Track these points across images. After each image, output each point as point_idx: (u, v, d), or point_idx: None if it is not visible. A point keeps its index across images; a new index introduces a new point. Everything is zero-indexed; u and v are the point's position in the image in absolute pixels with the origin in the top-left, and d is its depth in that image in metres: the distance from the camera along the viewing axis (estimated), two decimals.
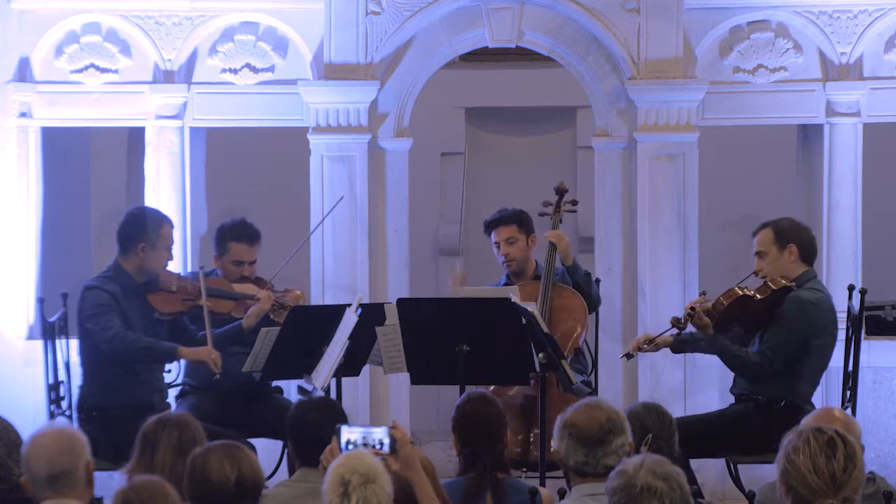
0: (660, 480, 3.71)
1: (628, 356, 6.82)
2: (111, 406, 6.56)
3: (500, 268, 7.69)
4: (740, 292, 6.56)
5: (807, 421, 4.58)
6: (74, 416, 6.79)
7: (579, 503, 4.26)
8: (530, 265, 7.39)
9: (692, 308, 6.53)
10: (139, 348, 6.56)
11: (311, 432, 4.71)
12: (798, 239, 6.66)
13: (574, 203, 7.40)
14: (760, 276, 6.66)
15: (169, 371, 7.08)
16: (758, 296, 6.54)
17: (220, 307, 6.84)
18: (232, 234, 7.11)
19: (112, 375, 6.61)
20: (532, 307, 6.26)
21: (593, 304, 7.27)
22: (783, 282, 6.58)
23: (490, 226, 7.33)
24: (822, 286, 6.70)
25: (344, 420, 4.82)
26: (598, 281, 7.47)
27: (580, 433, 4.27)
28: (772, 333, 6.55)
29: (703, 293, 6.66)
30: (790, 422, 6.15)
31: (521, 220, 7.22)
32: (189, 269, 7.85)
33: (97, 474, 4.21)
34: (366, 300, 7.06)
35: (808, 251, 6.68)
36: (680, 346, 6.80)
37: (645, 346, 6.70)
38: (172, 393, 7.25)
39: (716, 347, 6.59)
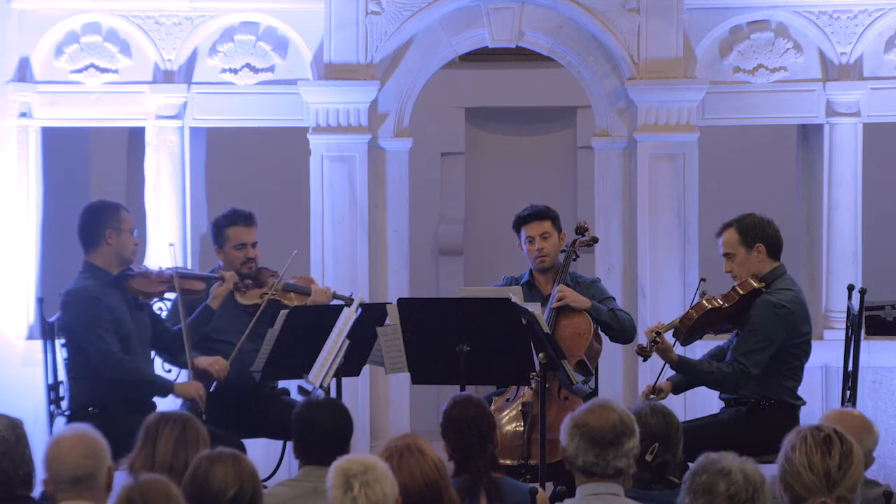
0: (741, 475, 3.76)
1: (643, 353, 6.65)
2: (108, 402, 6.57)
3: (500, 269, 7.68)
4: (708, 305, 6.51)
5: (824, 420, 4.58)
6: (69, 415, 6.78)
7: (584, 503, 4.26)
8: (555, 264, 7.23)
9: (656, 333, 6.46)
10: (139, 380, 6.66)
11: (316, 431, 4.71)
12: (764, 236, 6.57)
13: (594, 240, 7.19)
14: (731, 277, 6.63)
15: (169, 371, 7.08)
16: (725, 304, 6.51)
17: (194, 286, 6.87)
18: (226, 221, 7.11)
19: None
20: (534, 307, 6.24)
21: (622, 334, 7.00)
22: (753, 283, 6.52)
23: (524, 220, 7.04)
24: (791, 283, 6.59)
25: (349, 420, 4.83)
26: (598, 280, 7.42)
27: (592, 433, 4.25)
28: (742, 339, 6.49)
29: (703, 292, 6.63)
30: (782, 420, 6.20)
31: (554, 217, 7.08)
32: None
33: None
34: (366, 300, 7.06)
35: (775, 246, 6.61)
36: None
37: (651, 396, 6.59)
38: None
39: (684, 371, 6.55)
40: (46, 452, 4.12)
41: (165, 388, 6.71)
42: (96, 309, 6.60)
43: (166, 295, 7.03)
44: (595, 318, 6.87)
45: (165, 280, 6.81)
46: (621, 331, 6.96)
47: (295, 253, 6.96)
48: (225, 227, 7.09)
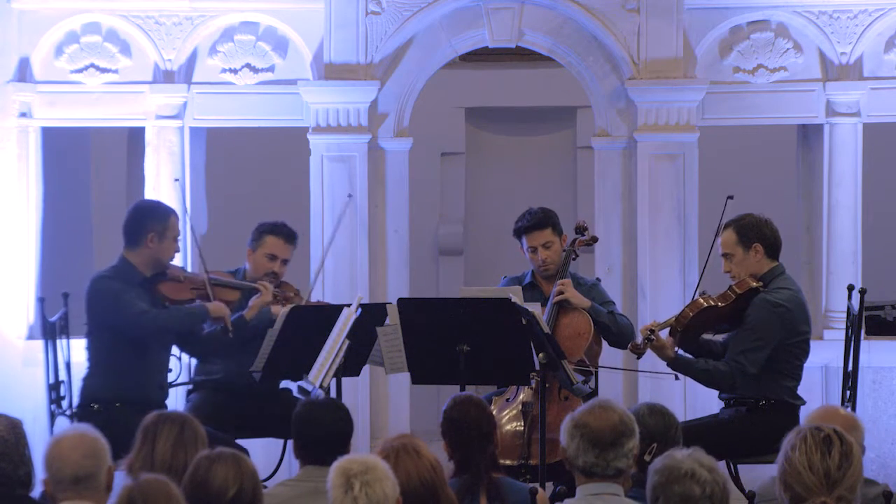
0: (705, 470, 3.80)
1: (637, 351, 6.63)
2: (114, 399, 6.56)
3: (500, 269, 7.67)
4: (704, 303, 6.50)
5: (810, 419, 4.57)
6: (74, 411, 6.78)
7: (584, 503, 4.26)
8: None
9: (651, 331, 6.44)
10: (179, 319, 6.68)
11: (316, 431, 4.72)
12: (761, 236, 6.57)
13: (594, 239, 7.15)
14: (730, 276, 6.63)
15: (171, 370, 7.09)
16: (721, 304, 6.49)
17: (226, 296, 6.85)
18: (270, 229, 7.13)
19: (120, 367, 6.61)
20: (534, 307, 6.24)
21: (620, 338, 6.93)
22: (751, 283, 6.51)
23: (524, 231, 6.96)
24: (790, 282, 6.58)
25: (349, 420, 4.83)
26: (598, 282, 7.41)
27: (592, 434, 4.25)
28: (740, 338, 6.46)
29: (703, 293, 6.63)
30: (782, 420, 6.18)
31: (554, 222, 7.02)
32: (189, 269, 7.87)
33: None
34: (366, 300, 7.06)
35: (773, 246, 6.60)
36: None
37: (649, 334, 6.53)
38: (174, 392, 7.26)
39: (681, 369, 6.53)
40: (46, 452, 4.13)
41: (202, 310, 6.71)
42: (119, 286, 6.61)
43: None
44: (594, 319, 6.86)
45: (196, 286, 6.77)
46: (619, 334, 6.94)
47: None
48: (266, 232, 7.11)
